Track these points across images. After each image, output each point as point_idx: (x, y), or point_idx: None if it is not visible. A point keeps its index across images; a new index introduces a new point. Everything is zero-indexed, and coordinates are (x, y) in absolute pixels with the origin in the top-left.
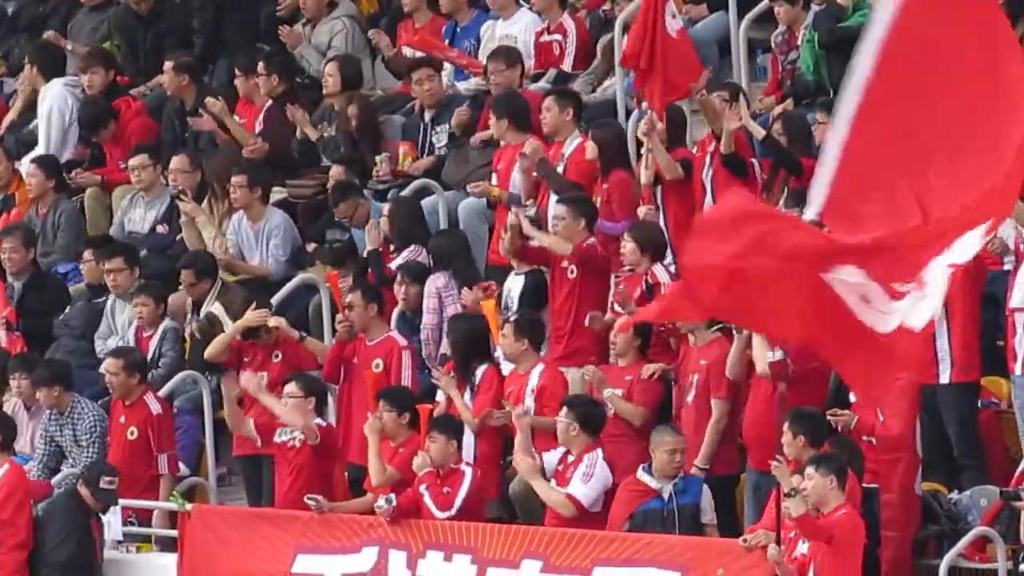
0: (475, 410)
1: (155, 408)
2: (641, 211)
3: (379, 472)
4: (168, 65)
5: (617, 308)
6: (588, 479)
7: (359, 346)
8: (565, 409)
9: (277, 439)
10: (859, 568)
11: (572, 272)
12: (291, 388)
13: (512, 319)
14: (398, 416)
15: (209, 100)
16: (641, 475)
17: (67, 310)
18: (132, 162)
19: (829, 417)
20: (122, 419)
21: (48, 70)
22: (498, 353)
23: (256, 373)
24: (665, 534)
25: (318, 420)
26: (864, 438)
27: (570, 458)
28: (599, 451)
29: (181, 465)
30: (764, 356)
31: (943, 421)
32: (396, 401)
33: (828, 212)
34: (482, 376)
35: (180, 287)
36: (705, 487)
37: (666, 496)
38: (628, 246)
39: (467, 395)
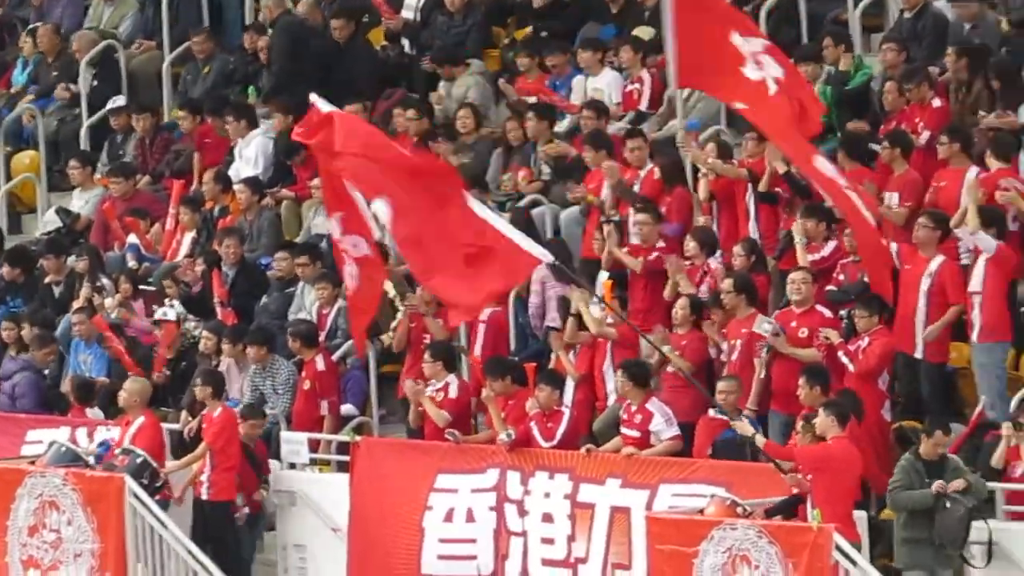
0: (576, 366)
1: (321, 366)
2: (700, 220)
3: (500, 428)
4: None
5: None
6: (672, 423)
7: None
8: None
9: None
10: (852, 489)
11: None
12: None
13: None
14: (501, 380)
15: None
16: (714, 413)
17: (265, 296)
18: (315, 182)
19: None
20: (303, 374)
21: (248, 123)
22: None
23: (416, 381)
24: (715, 460)
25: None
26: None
27: (633, 407)
28: (655, 399)
29: (350, 407)
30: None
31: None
32: (495, 370)
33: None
34: (582, 343)
35: None
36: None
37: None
38: (691, 244)
39: (571, 354)
